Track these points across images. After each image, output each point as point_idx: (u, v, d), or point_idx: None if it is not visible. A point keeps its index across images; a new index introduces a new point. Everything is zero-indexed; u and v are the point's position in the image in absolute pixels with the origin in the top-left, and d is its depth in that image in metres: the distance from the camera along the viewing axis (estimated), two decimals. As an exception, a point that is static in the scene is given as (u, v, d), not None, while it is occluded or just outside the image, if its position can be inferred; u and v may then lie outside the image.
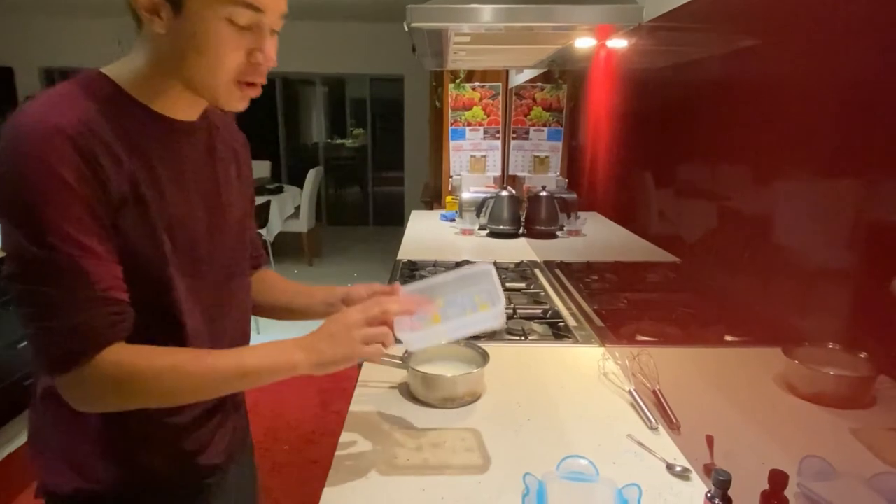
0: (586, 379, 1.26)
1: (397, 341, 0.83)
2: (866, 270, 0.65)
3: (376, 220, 7.60)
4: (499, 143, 3.12)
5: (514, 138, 2.98)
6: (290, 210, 5.34)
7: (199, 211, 0.80)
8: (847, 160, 0.67)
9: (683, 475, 0.92)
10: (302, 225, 5.39)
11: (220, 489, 0.91)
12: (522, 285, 1.85)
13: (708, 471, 0.89)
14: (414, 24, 1.42)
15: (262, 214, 4.76)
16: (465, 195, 2.76)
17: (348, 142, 7.96)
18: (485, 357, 1.20)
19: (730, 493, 0.73)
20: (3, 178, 0.65)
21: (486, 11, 1.40)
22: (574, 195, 2.37)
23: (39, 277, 0.65)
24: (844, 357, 0.68)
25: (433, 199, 4.17)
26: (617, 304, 1.56)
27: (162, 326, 0.76)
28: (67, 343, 0.67)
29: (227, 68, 0.71)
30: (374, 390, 1.19)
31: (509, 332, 1.50)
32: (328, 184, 7.54)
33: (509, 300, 1.67)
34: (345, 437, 1.01)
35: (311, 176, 5.42)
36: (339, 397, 2.97)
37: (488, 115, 3.11)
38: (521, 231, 2.56)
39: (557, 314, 1.61)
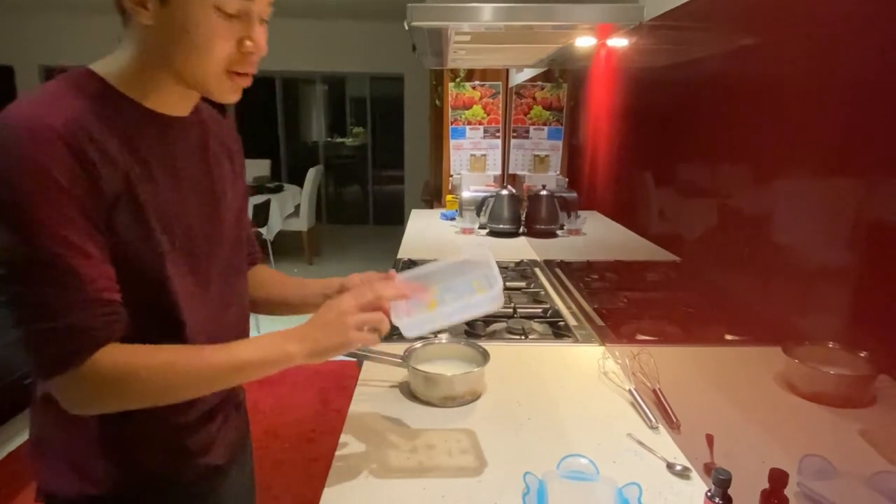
0: (586, 378, 1.26)
1: (394, 328, 0.82)
2: (866, 269, 0.65)
3: (376, 219, 7.60)
4: (499, 141, 3.12)
5: (514, 137, 2.98)
6: (290, 209, 5.34)
7: (195, 208, 0.79)
8: (847, 159, 0.67)
9: (683, 474, 0.92)
10: (302, 224, 5.39)
11: (221, 491, 0.91)
12: (522, 284, 1.85)
13: (708, 470, 0.89)
14: (414, 23, 1.42)
15: (262, 213, 4.76)
16: (466, 194, 2.76)
17: (348, 140, 7.96)
18: (485, 356, 1.20)
19: (730, 492, 0.73)
20: None
21: (487, 10, 1.40)
22: (574, 194, 2.37)
23: (31, 279, 0.64)
24: (845, 356, 0.68)
25: (433, 197, 4.17)
26: (617, 303, 1.56)
27: (162, 326, 0.75)
28: (61, 345, 0.66)
29: (217, 58, 0.70)
30: (374, 389, 1.19)
31: (509, 331, 1.50)
32: (328, 182, 7.54)
33: (509, 299, 1.67)
34: (344, 438, 1.01)
35: (311, 175, 5.42)
36: (339, 396, 2.97)
37: (488, 114, 3.11)
38: (521, 230, 2.56)
39: (557, 313, 1.61)
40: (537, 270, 2.04)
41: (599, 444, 1.00)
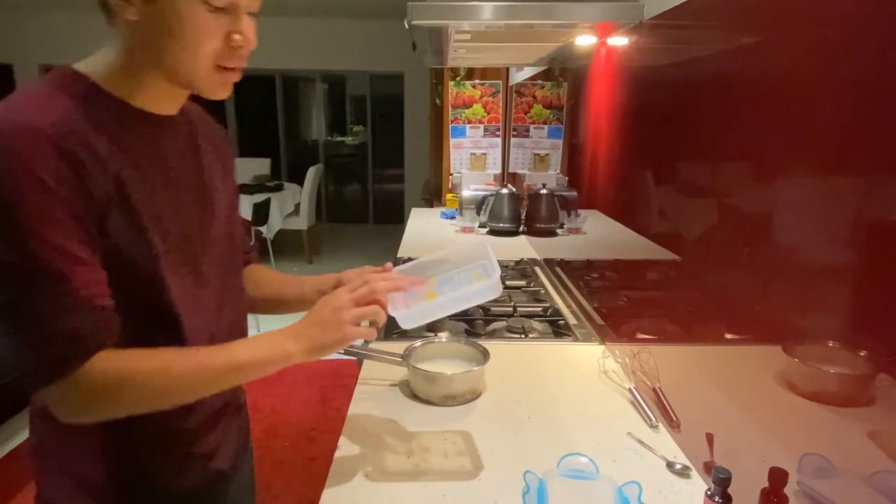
0: (586, 377, 1.26)
1: (393, 323, 0.82)
2: (866, 268, 0.65)
3: (376, 218, 7.60)
4: (499, 140, 3.12)
5: (514, 136, 2.98)
6: (290, 208, 5.34)
7: (187, 208, 0.78)
8: (847, 158, 0.67)
9: (683, 473, 0.92)
10: (302, 222, 5.39)
11: (225, 496, 0.90)
12: (523, 283, 1.85)
13: (708, 468, 0.90)
14: (414, 22, 1.41)
15: (262, 212, 4.76)
16: (466, 193, 2.76)
17: (348, 139, 7.95)
18: (485, 355, 1.20)
19: (730, 490, 0.73)
20: None
21: (487, 9, 1.40)
22: (574, 193, 2.37)
23: (20, 285, 0.62)
24: (844, 355, 0.68)
25: (433, 196, 4.17)
26: (617, 302, 1.56)
27: (159, 328, 0.74)
28: (52, 353, 0.64)
29: (205, 53, 0.69)
30: (374, 388, 1.19)
31: (509, 329, 1.50)
32: (328, 181, 7.53)
33: (509, 297, 1.67)
34: (342, 441, 1.00)
35: (311, 173, 5.42)
36: (339, 394, 2.97)
37: (488, 113, 3.11)
38: (521, 229, 2.56)
39: (557, 312, 1.61)
40: (537, 269, 2.04)
41: (599, 443, 1.00)
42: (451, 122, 3.11)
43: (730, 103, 0.97)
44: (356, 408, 1.11)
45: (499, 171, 3.13)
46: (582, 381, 1.24)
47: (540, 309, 1.63)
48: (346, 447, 0.98)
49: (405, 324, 0.85)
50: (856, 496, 0.65)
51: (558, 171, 2.91)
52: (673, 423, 1.04)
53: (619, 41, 1.64)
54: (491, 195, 2.59)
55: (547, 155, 2.96)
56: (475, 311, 1.55)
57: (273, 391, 2.96)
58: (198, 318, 0.78)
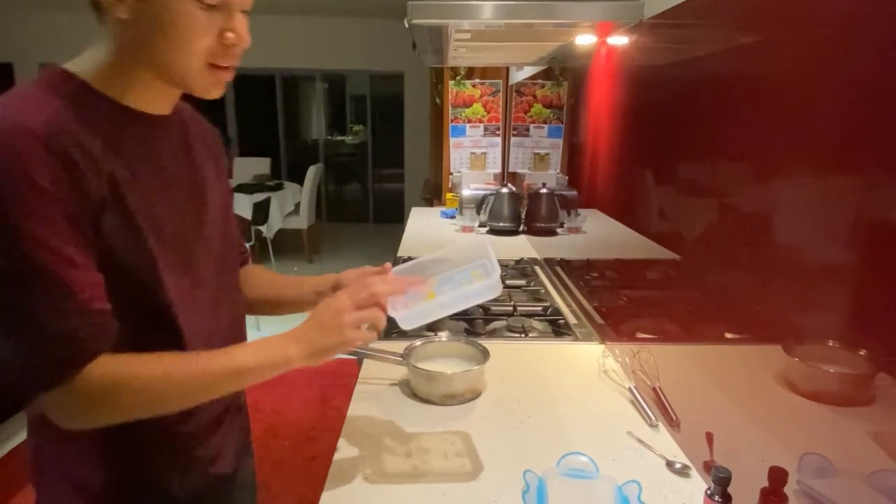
0: (586, 376, 1.26)
1: (392, 323, 0.81)
2: (866, 268, 0.65)
3: (376, 217, 7.60)
4: (499, 140, 3.12)
5: (514, 135, 2.98)
6: (291, 207, 5.34)
7: (183, 208, 0.77)
8: (848, 158, 0.67)
9: (683, 472, 0.92)
10: (302, 222, 5.39)
11: (227, 499, 0.89)
12: (523, 282, 1.85)
13: (708, 468, 0.90)
14: (414, 21, 1.41)
15: (262, 211, 4.76)
16: (466, 192, 2.76)
17: (348, 138, 7.95)
18: (485, 354, 1.20)
19: (729, 489, 0.73)
20: None
21: (487, 8, 1.40)
22: (574, 192, 2.37)
23: (15, 289, 0.61)
24: (844, 354, 0.69)
25: (433, 196, 4.17)
26: (617, 302, 1.56)
27: (157, 330, 0.73)
28: (50, 358, 0.63)
29: (197, 51, 0.68)
30: (374, 387, 1.19)
31: (509, 329, 1.50)
32: (328, 181, 7.53)
33: (509, 297, 1.67)
34: (340, 443, 0.99)
35: (311, 173, 5.42)
36: (339, 393, 2.98)
37: (488, 112, 3.11)
38: (521, 228, 2.56)
39: (557, 311, 1.61)
40: (537, 268, 2.04)
41: (599, 442, 1.00)
42: (451, 121, 3.11)
43: (730, 103, 0.97)
44: (356, 407, 1.11)
45: (499, 170, 3.13)
46: (582, 380, 1.24)
47: (540, 308, 1.63)
48: (344, 449, 0.98)
49: (405, 324, 0.85)
50: (855, 495, 0.65)
51: (558, 170, 2.91)
52: (673, 423, 1.04)
53: (620, 40, 1.64)
54: (491, 194, 2.59)
55: (547, 154, 2.96)
56: (475, 310, 1.55)
57: (273, 391, 2.96)
58: (195, 319, 0.77)
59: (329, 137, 7.88)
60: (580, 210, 2.27)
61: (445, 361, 1.21)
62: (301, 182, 5.46)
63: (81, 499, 0.76)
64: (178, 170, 0.78)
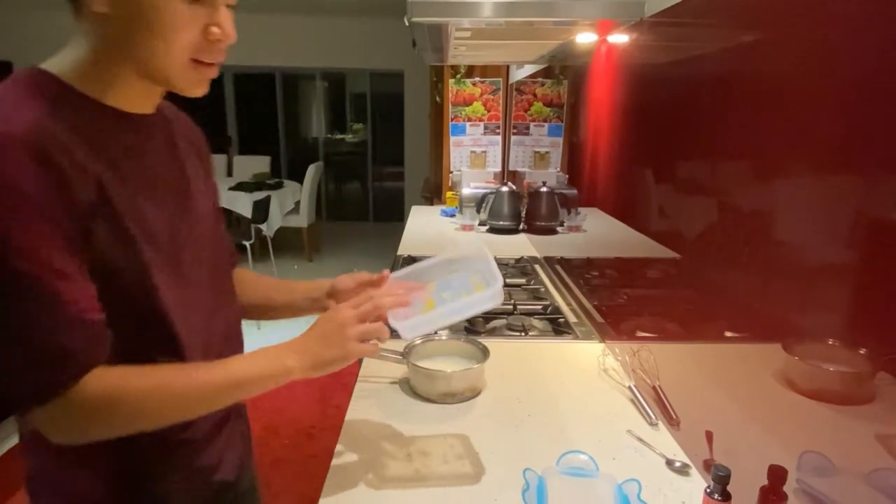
0: (586, 375, 1.26)
1: (392, 330, 0.81)
2: (866, 267, 0.65)
3: (376, 216, 7.60)
4: (499, 138, 3.12)
5: (514, 134, 2.98)
6: (290, 205, 5.34)
7: (173, 210, 0.74)
8: (848, 157, 0.67)
9: (683, 471, 0.92)
10: (302, 220, 5.39)
11: None
12: (522, 281, 1.85)
13: (707, 466, 0.90)
14: (414, 19, 1.41)
15: (262, 210, 4.76)
16: (466, 191, 2.76)
17: (348, 137, 7.94)
18: (485, 353, 1.20)
19: (729, 488, 0.73)
20: None
21: (487, 6, 1.39)
22: (574, 191, 2.36)
23: (4, 302, 0.59)
24: (844, 353, 0.68)
25: (433, 194, 4.17)
26: (617, 300, 1.56)
27: (153, 337, 0.70)
28: (42, 373, 0.61)
29: (180, 47, 0.64)
30: (374, 385, 1.19)
31: (509, 327, 1.50)
32: (328, 179, 7.53)
33: (509, 296, 1.67)
34: (339, 448, 0.97)
35: (311, 171, 5.42)
36: (339, 392, 2.98)
37: (489, 111, 3.10)
38: (521, 227, 2.56)
39: (557, 310, 1.61)
40: (537, 267, 2.04)
41: (599, 441, 1.00)
42: (452, 119, 3.10)
43: (730, 101, 0.97)
44: (356, 405, 1.11)
45: (499, 168, 3.13)
46: (582, 378, 1.24)
47: (540, 307, 1.63)
48: (343, 454, 0.95)
49: (406, 334, 0.84)
50: (855, 494, 0.65)
51: (558, 168, 2.90)
52: (673, 421, 1.04)
53: (620, 39, 1.64)
54: (491, 193, 2.59)
55: (547, 153, 2.95)
56: (475, 308, 1.55)
57: (273, 389, 2.96)
58: (192, 324, 0.75)
59: (329, 136, 7.88)
60: (580, 209, 2.27)
61: (445, 360, 1.21)
62: (301, 180, 5.46)
63: None
64: (164, 171, 0.75)
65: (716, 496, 0.73)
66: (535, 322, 1.54)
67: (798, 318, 0.78)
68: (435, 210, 3.15)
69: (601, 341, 1.43)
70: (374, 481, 0.89)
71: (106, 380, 0.64)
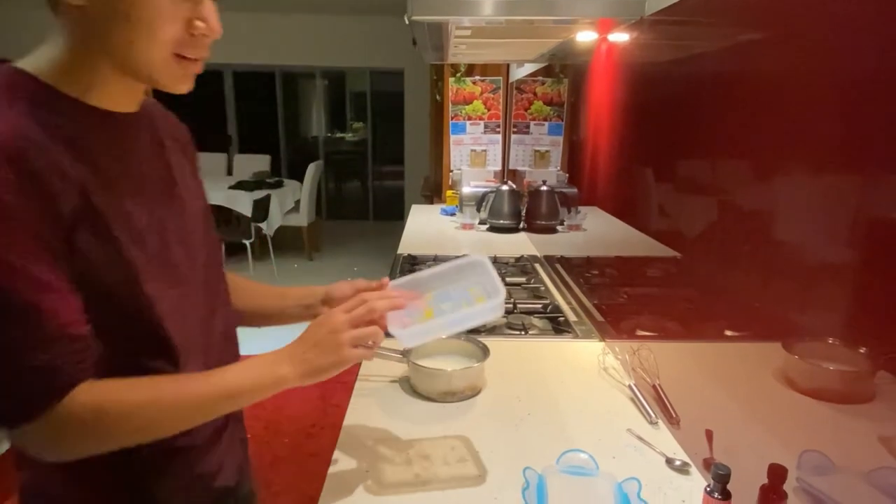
0: (586, 373, 1.26)
1: (388, 336, 0.80)
2: (866, 266, 0.65)
3: (376, 215, 7.60)
4: (499, 137, 3.12)
5: (514, 132, 2.98)
6: (290, 204, 5.34)
7: (162, 212, 0.71)
8: (848, 156, 0.67)
9: (683, 469, 0.92)
10: (302, 219, 5.39)
11: None
12: (522, 280, 1.85)
13: (707, 465, 0.90)
14: (415, 17, 1.41)
15: (262, 209, 4.76)
16: (466, 189, 2.76)
17: (348, 136, 7.94)
18: (485, 351, 1.20)
19: (729, 487, 0.73)
20: None
21: (487, 4, 1.39)
22: (574, 190, 2.36)
23: None
24: (844, 352, 0.68)
25: (433, 193, 4.17)
26: (617, 299, 1.56)
27: (148, 348, 0.68)
28: (26, 390, 0.58)
29: (163, 41, 0.62)
30: (374, 384, 1.19)
31: (509, 326, 1.50)
32: (328, 178, 7.53)
33: (509, 294, 1.67)
34: (338, 453, 0.96)
35: (311, 170, 5.42)
36: (339, 391, 2.98)
37: (489, 110, 3.10)
38: (521, 225, 2.56)
39: (557, 309, 1.61)
40: (537, 266, 2.04)
41: (599, 440, 1.00)
42: (452, 118, 3.10)
43: (731, 100, 0.97)
44: (356, 404, 1.11)
45: (499, 167, 3.12)
46: (582, 377, 1.24)
47: (540, 306, 1.63)
48: (342, 461, 0.94)
49: (406, 343, 0.83)
50: (855, 493, 0.65)
51: (558, 167, 2.90)
52: (672, 420, 1.04)
53: (620, 37, 1.64)
54: (491, 192, 2.59)
55: (547, 151, 2.95)
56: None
57: (273, 387, 2.96)
58: (188, 328, 0.73)
59: (329, 134, 7.88)
60: (580, 207, 2.27)
61: (445, 358, 1.21)
62: (301, 179, 5.46)
63: None
64: (151, 171, 0.72)
65: (716, 495, 0.73)
66: (535, 321, 1.54)
67: (798, 317, 0.78)
68: (435, 209, 3.15)
69: (601, 340, 1.43)
70: (373, 487, 0.87)
71: (94, 395, 0.62)
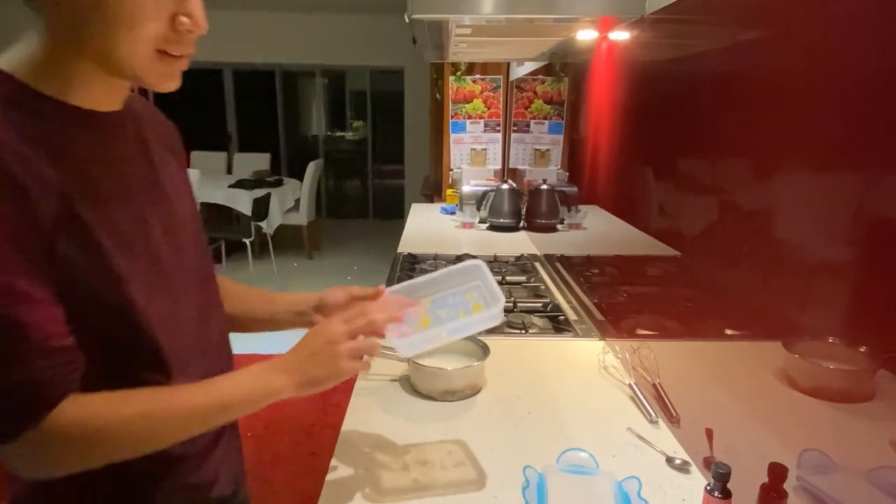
0: (586, 372, 1.26)
1: (385, 346, 0.78)
2: (866, 264, 0.65)
3: (376, 213, 7.60)
4: (499, 136, 3.11)
5: (514, 131, 2.98)
6: (290, 203, 5.34)
7: (149, 216, 0.68)
8: (848, 155, 0.67)
9: (683, 468, 0.92)
10: (302, 218, 5.39)
11: None
12: (523, 279, 1.85)
13: (707, 464, 0.90)
14: (415, 16, 1.41)
15: (262, 207, 4.76)
16: (466, 188, 2.76)
17: (348, 134, 7.94)
18: (485, 350, 1.20)
19: (729, 485, 0.73)
20: None
21: (488, 3, 1.39)
22: (574, 188, 2.36)
23: None
24: (844, 351, 0.68)
25: (433, 192, 4.17)
26: (617, 298, 1.56)
27: (135, 354, 0.65)
28: (10, 406, 0.56)
29: (145, 37, 0.58)
30: (374, 383, 1.19)
31: (509, 325, 1.50)
32: (328, 177, 7.53)
33: (509, 293, 1.67)
34: (335, 461, 0.94)
35: (311, 169, 5.42)
36: (339, 389, 2.95)
37: (489, 108, 3.10)
38: (521, 224, 2.56)
39: (558, 308, 1.61)
40: (537, 265, 2.04)
41: (599, 438, 1.00)
42: (452, 117, 3.10)
43: (731, 99, 0.96)
44: (356, 403, 1.11)
45: (499, 166, 3.12)
46: (582, 376, 1.24)
47: (540, 304, 1.63)
48: (339, 469, 0.92)
49: (405, 353, 0.83)
50: (855, 492, 0.65)
51: (559, 166, 2.90)
52: (673, 419, 1.04)
53: (621, 36, 1.63)
54: (491, 191, 2.59)
55: (547, 150, 2.95)
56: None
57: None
58: (180, 336, 0.70)
59: (329, 133, 7.88)
60: (580, 206, 2.27)
61: (445, 357, 1.21)
62: (301, 178, 5.46)
63: None
64: (137, 173, 0.69)
65: (716, 494, 0.73)
66: (536, 320, 1.54)
67: (798, 316, 0.78)
68: (435, 207, 3.14)
69: (601, 339, 1.43)
70: (371, 495, 0.86)
71: (79, 409, 0.59)
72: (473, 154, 3.12)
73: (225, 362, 0.81)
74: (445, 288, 0.90)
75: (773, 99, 0.83)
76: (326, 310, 0.88)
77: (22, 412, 0.57)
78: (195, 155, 6.02)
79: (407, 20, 1.45)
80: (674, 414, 1.04)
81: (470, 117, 3.10)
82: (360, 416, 1.06)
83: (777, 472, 0.71)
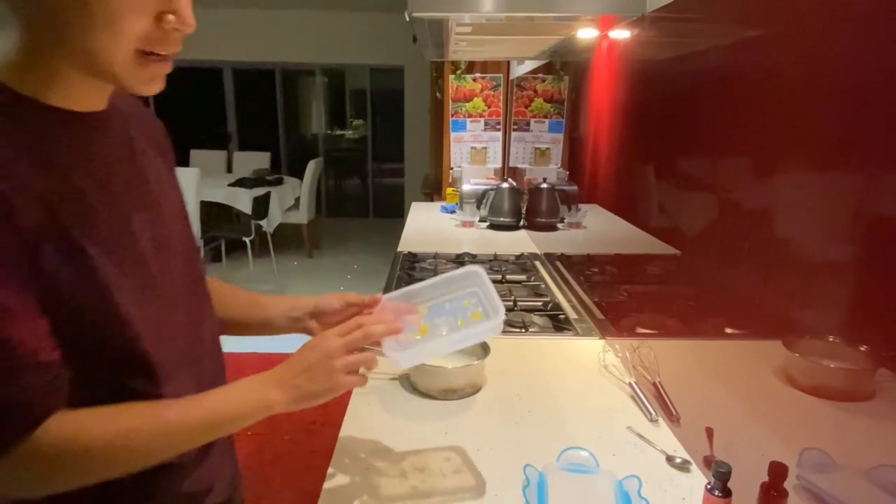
0: (587, 371, 1.26)
1: (380, 354, 0.77)
2: (866, 263, 0.65)
3: (376, 212, 7.60)
4: (499, 134, 3.11)
5: (514, 130, 2.97)
6: (290, 202, 5.34)
7: (136, 219, 0.65)
8: (848, 153, 0.67)
9: (683, 467, 0.92)
10: (302, 216, 5.39)
11: None
12: (523, 277, 1.85)
13: (708, 463, 0.90)
14: (415, 14, 1.41)
15: (262, 206, 4.76)
16: (466, 187, 2.76)
17: (348, 133, 7.94)
18: (485, 349, 1.20)
19: (729, 484, 0.73)
20: None
21: (488, 1, 1.39)
22: (575, 187, 2.36)
23: None
24: (845, 350, 0.68)
25: (433, 190, 4.16)
26: (617, 297, 1.56)
27: (123, 363, 0.63)
28: None
29: (127, 35, 0.55)
30: (374, 382, 1.19)
31: (510, 324, 1.50)
32: (328, 175, 7.53)
33: (509, 292, 1.67)
34: (331, 469, 0.92)
35: (311, 167, 5.42)
36: (339, 388, 2.98)
37: (489, 107, 3.10)
38: (521, 223, 2.56)
39: (558, 306, 1.61)
40: (538, 264, 2.04)
41: (599, 437, 1.00)
42: (452, 115, 3.10)
43: (732, 98, 0.96)
44: (356, 401, 1.11)
45: (499, 165, 3.12)
46: (582, 375, 1.24)
47: (540, 303, 1.63)
48: (336, 477, 0.90)
49: (401, 365, 0.81)
50: (856, 491, 0.65)
51: (559, 165, 2.90)
52: (673, 418, 1.04)
53: (621, 34, 1.63)
54: (491, 189, 2.59)
55: (547, 149, 2.95)
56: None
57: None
58: (169, 343, 0.67)
59: (329, 132, 7.87)
60: (580, 205, 2.27)
61: (446, 356, 1.21)
62: (301, 176, 5.46)
63: None
64: (123, 175, 0.65)
65: (716, 492, 0.73)
66: (536, 318, 1.54)
67: (799, 315, 0.78)
68: (435, 206, 3.14)
69: (601, 338, 1.43)
70: (369, 502, 0.85)
71: (66, 426, 0.57)
72: (473, 153, 3.12)
73: (217, 367, 0.80)
74: (443, 294, 0.88)
75: (773, 97, 0.83)
76: (322, 316, 0.87)
77: (7, 430, 0.54)
78: (195, 153, 6.02)
79: (407, 18, 1.44)
80: (674, 413, 1.04)
81: (470, 116, 3.10)
82: (360, 415, 1.06)
83: (777, 471, 0.71)
